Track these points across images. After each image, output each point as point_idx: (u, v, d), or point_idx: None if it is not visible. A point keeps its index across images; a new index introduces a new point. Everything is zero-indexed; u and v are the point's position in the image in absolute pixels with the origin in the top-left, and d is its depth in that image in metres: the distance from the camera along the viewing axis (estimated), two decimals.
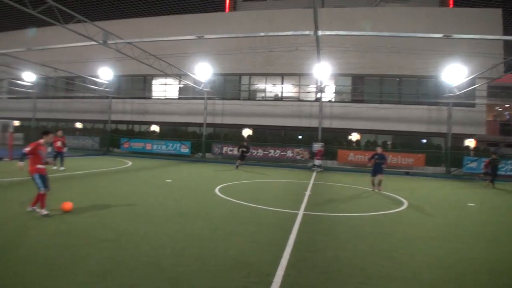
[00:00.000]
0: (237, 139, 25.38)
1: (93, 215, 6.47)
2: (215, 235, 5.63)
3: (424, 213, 8.61)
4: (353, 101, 25.10)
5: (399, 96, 24.43)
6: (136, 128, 29.75)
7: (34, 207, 6.41)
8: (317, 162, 20.15)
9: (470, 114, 23.41)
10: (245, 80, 27.10)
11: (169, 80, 28.09)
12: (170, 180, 12.46)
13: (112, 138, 27.29)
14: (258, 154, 23.66)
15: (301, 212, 7.79)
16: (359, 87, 25.06)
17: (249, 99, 26.95)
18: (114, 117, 28.66)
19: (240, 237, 5.58)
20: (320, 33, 13.97)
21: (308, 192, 11.09)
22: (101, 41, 15.11)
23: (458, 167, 21.73)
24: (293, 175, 17.08)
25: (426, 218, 8.00)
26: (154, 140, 26.06)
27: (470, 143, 25.92)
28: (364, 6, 25.78)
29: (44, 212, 6.20)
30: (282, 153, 23.50)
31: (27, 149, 6.39)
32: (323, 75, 21.23)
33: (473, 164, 21.30)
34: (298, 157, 23.32)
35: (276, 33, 16.71)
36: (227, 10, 30.59)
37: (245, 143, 18.97)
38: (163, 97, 28.76)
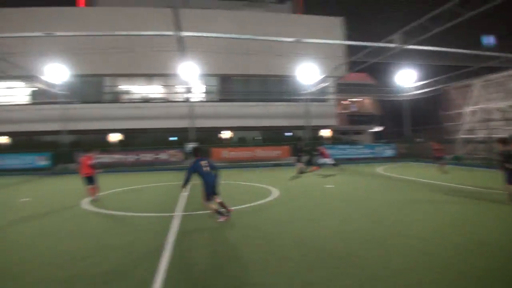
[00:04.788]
0: (106, 146, 23.53)
1: None
2: (87, 252, 5.15)
3: (292, 198, 9.60)
4: (222, 100, 25.98)
5: (265, 94, 26.42)
6: None
7: None
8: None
9: (323, 108, 26.97)
10: (108, 81, 25.19)
11: (18, 83, 24.11)
12: (27, 199, 10.78)
13: None
14: (129, 160, 22.37)
15: (178, 214, 7.79)
16: (227, 87, 26.11)
17: (114, 102, 25.15)
18: None
19: (115, 249, 5.26)
20: (182, 34, 14.06)
21: (185, 193, 11.09)
22: None
23: None
24: (169, 177, 16.79)
25: (293, 203, 8.94)
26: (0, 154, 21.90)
27: (326, 133, 29.84)
28: (227, 9, 26.80)
29: None
30: (155, 156, 22.79)
31: None
32: (191, 76, 21.39)
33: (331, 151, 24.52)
34: (173, 159, 23.00)
35: (137, 33, 15.93)
36: (82, 4, 27.88)
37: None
38: (8, 103, 24.52)
